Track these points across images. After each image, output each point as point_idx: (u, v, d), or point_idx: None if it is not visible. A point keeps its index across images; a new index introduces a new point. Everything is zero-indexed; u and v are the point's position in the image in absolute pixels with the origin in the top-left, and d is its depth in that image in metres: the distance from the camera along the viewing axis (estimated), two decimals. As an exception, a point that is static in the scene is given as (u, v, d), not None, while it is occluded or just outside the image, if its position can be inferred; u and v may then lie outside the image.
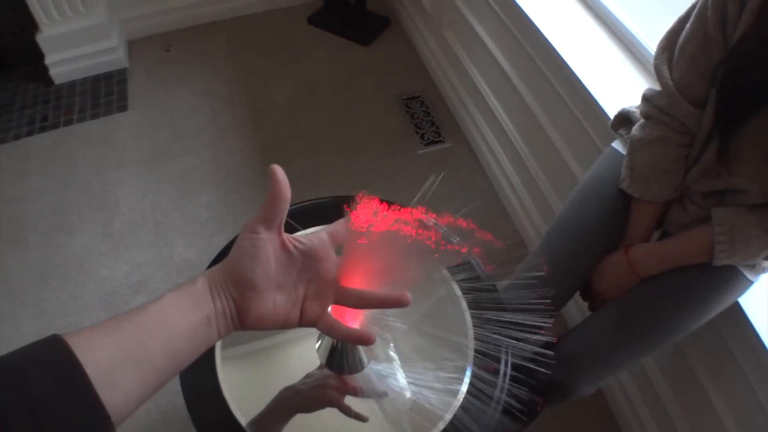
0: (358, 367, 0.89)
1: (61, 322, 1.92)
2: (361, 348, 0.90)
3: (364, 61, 2.81)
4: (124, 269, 2.05)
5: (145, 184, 2.30)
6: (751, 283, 1.11)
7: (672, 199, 1.16)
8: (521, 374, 0.96)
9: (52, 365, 0.45)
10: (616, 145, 1.27)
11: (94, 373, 0.46)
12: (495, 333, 0.93)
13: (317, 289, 0.61)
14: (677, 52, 1.06)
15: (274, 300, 0.57)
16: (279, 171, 0.57)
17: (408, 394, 0.92)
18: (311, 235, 0.61)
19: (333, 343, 0.86)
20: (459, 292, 1.07)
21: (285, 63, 2.79)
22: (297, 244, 0.59)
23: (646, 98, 1.13)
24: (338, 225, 0.63)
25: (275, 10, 3.06)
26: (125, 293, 1.99)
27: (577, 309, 1.79)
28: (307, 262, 0.59)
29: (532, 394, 1.12)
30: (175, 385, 1.56)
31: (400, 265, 0.62)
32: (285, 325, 0.59)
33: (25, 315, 1.94)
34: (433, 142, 2.43)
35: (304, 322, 0.60)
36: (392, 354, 0.98)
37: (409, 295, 0.61)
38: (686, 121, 1.08)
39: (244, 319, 0.57)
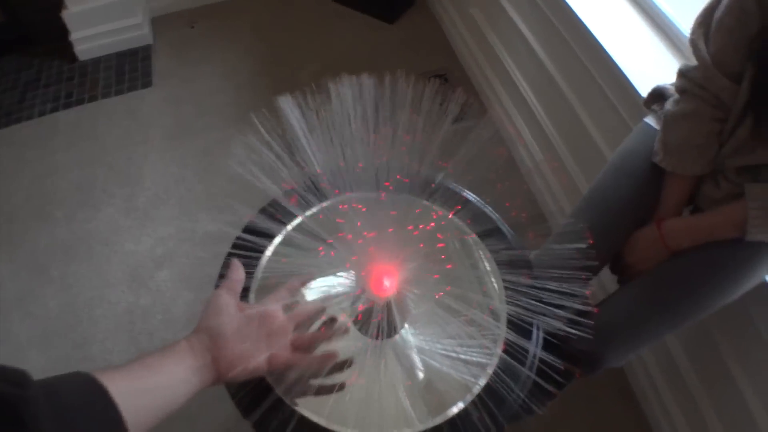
0: (391, 332, 0.90)
1: (86, 295, 1.93)
2: (396, 314, 0.91)
3: (389, 38, 2.77)
4: (149, 243, 2.05)
5: (169, 159, 2.30)
6: None
7: (705, 175, 1.15)
8: (556, 342, 0.94)
9: (83, 387, 0.56)
10: (649, 120, 1.26)
11: (116, 395, 0.56)
12: (529, 299, 0.91)
13: (277, 338, 0.76)
14: (714, 26, 1.05)
15: (241, 348, 0.71)
16: (234, 264, 0.81)
17: (436, 364, 0.91)
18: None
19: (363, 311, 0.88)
20: (489, 258, 1.05)
21: (310, 40, 2.76)
22: (249, 308, 0.76)
23: (682, 73, 1.12)
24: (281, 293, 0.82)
25: (300, -13, 3.03)
26: (149, 267, 1.99)
27: (607, 283, 1.76)
28: (262, 320, 0.75)
29: (567, 362, 1.12)
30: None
31: None
32: (255, 372, 0.73)
33: (51, 288, 1.95)
34: (457, 120, 2.39)
35: (272, 367, 0.74)
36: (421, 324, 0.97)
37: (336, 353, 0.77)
38: (721, 95, 1.06)
39: (219, 368, 0.69)
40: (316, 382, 0.84)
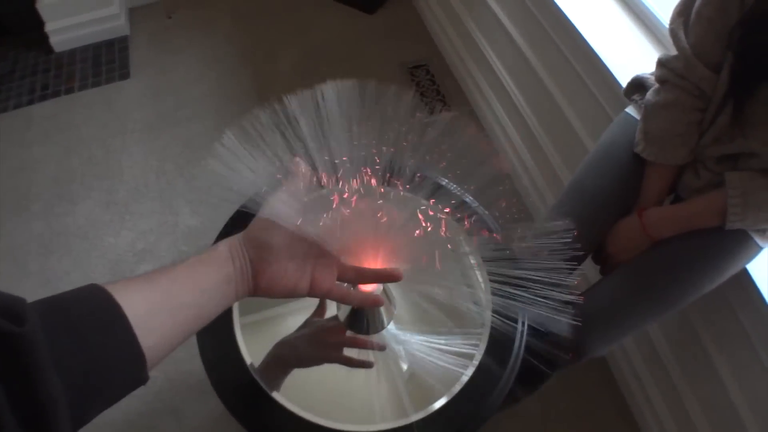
0: (378, 328, 0.92)
1: (65, 289, 1.89)
2: (382, 310, 0.93)
3: (368, 28, 2.75)
4: (129, 237, 2.03)
5: (149, 152, 2.27)
6: (760, 249, 1.12)
7: (685, 164, 1.16)
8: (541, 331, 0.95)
9: (94, 303, 0.50)
10: (630, 110, 1.27)
11: (131, 314, 0.50)
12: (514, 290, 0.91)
13: (323, 265, 0.68)
14: (693, 16, 1.06)
15: (286, 267, 0.64)
16: (297, 161, 0.71)
17: (423, 356, 0.91)
18: None
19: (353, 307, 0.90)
20: (472, 250, 1.05)
21: (290, 30, 2.74)
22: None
23: (662, 63, 1.13)
24: None
25: (279, -24, 3.00)
26: (130, 261, 1.97)
27: (589, 273, 1.77)
28: (312, 242, 0.66)
29: (556, 349, 1.12)
30: (180, 352, 1.55)
31: (393, 239, 0.71)
32: (294, 293, 0.66)
33: (29, 283, 1.93)
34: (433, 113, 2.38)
35: (313, 292, 0.68)
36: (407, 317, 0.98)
37: (401, 271, 0.71)
38: (702, 84, 1.08)
39: (258, 282, 0.63)
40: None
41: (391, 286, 0.94)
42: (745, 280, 1.16)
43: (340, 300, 0.71)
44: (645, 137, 1.16)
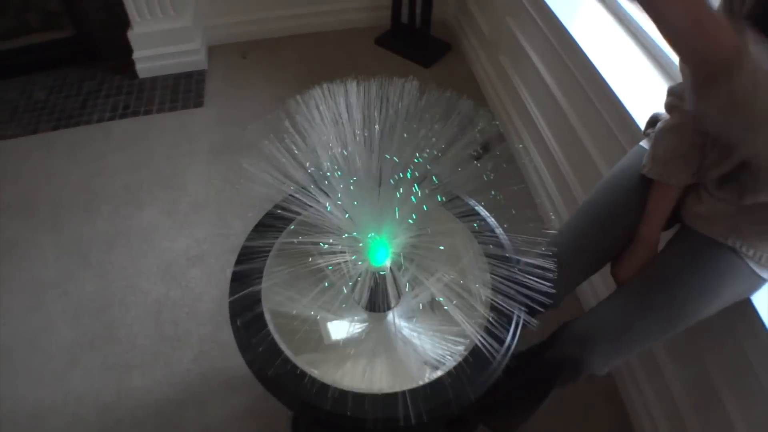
0: (386, 306, 1.06)
1: (120, 283, 2.07)
2: (390, 291, 1.05)
3: (424, 81, 2.93)
4: (184, 244, 2.20)
5: (212, 172, 2.46)
6: (762, 280, 1.16)
7: (689, 189, 1.22)
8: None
9: None
10: (643, 143, 1.34)
11: None
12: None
13: None
14: None
15: None
16: None
17: (424, 335, 1.03)
18: None
19: (370, 285, 1.03)
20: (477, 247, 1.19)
21: (351, 77, 2.94)
22: None
23: (670, 91, 1.21)
24: None
25: (346, 30, 3.27)
26: (182, 264, 2.13)
27: (592, 293, 1.90)
28: None
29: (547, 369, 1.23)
30: (215, 351, 1.68)
31: None
32: None
33: (89, 273, 2.10)
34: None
35: None
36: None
37: None
38: None
39: None
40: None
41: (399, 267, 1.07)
42: (752, 316, 1.20)
43: None
44: (652, 159, 1.22)
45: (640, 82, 1.68)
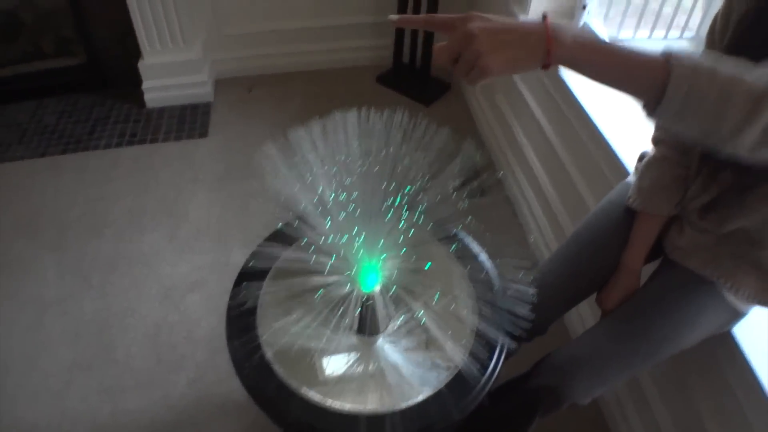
0: (376, 330, 1.12)
1: (121, 305, 2.12)
2: (379, 316, 1.11)
3: (423, 118, 3.02)
4: (184, 269, 2.25)
5: (214, 200, 2.53)
6: (739, 313, 1.19)
7: (671, 221, 1.26)
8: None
9: None
10: (630, 178, 1.40)
11: None
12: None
13: None
14: None
15: None
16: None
17: (406, 360, 1.09)
18: None
19: (361, 310, 1.10)
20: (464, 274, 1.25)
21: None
22: None
23: (656, 125, 1.26)
24: None
25: (349, 68, 3.37)
26: (181, 289, 2.18)
27: (580, 322, 1.95)
28: None
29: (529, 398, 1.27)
30: (211, 376, 1.74)
31: None
32: None
33: (89, 294, 2.15)
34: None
35: None
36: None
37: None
38: (684, 140, 1.19)
39: None
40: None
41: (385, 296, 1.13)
42: (733, 349, 1.23)
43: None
44: (636, 191, 1.27)
45: (627, 121, 1.77)
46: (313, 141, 1.15)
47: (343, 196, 1.08)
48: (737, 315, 1.21)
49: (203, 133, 2.87)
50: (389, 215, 1.08)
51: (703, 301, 1.19)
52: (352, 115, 1.19)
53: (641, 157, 1.41)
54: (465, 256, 1.30)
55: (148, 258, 2.29)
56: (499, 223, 2.49)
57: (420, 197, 1.11)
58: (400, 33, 3.15)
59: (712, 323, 1.21)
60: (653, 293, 1.25)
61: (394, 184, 1.11)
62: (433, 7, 2.89)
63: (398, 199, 1.09)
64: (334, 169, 1.11)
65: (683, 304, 1.20)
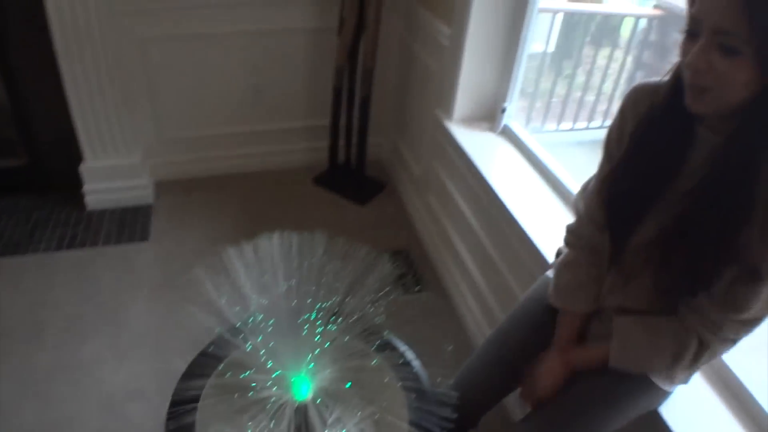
0: None
1: (61, 413, 2.14)
2: (315, 425, 1.18)
3: (360, 218, 3.23)
4: (124, 377, 2.30)
5: (153, 307, 2.59)
6: (667, 393, 1.27)
7: (593, 314, 1.33)
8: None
9: None
10: (549, 273, 1.47)
11: None
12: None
13: None
14: (587, 190, 1.32)
15: None
16: None
17: None
18: None
19: (296, 421, 1.16)
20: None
21: (289, 216, 3.20)
22: None
23: (567, 228, 1.40)
24: None
25: (286, 169, 3.54)
26: (121, 398, 2.22)
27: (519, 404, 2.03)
28: None
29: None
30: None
31: None
32: None
33: (30, 403, 2.16)
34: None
35: None
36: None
37: None
38: (593, 242, 1.29)
39: None
40: None
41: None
42: (659, 423, 1.31)
43: None
44: (554, 290, 1.35)
45: (547, 216, 1.99)
46: (244, 260, 1.28)
47: (269, 313, 1.20)
48: (665, 394, 1.28)
49: (144, 237, 2.95)
50: (313, 328, 1.19)
51: (634, 385, 1.25)
52: (276, 237, 1.31)
53: (558, 254, 1.52)
54: (395, 362, 1.37)
55: (89, 366, 2.32)
56: (436, 315, 2.65)
57: (344, 307, 1.23)
58: (334, 134, 3.33)
59: (642, 405, 1.28)
60: (583, 381, 1.30)
61: (317, 297, 1.23)
62: (365, 111, 3.11)
63: (314, 314, 1.22)
64: (262, 285, 1.24)
65: (612, 390, 1.26)
